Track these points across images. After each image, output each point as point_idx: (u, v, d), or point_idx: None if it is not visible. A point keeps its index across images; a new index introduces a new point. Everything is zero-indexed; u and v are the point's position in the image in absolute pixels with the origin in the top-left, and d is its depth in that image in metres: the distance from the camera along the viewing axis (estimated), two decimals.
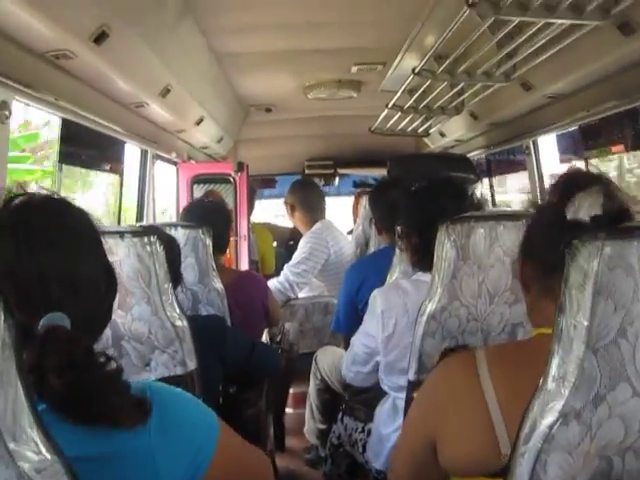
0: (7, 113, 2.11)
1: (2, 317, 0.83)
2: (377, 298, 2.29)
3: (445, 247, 1.90)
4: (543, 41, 2.56)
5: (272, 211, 7.76)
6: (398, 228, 2.40)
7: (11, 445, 0.86)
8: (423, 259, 2.15)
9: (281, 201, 5.17)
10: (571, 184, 1.33)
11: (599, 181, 1.32)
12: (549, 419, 1.00)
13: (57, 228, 1.11)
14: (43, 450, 0.89)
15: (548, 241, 1.32)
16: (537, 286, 1.36)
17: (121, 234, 1.86)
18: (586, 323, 0.97)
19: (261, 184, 6.26)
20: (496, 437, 1.20)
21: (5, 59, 2.06)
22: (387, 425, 2.31)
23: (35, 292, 1.04)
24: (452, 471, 1.31)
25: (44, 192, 1.17)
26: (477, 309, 1.94)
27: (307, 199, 4.72)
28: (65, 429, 0.98)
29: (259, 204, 6.02)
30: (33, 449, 0.88)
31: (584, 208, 1.25)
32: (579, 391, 0.98)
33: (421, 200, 2.24)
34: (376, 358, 2.33)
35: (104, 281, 1.18)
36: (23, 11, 1.83)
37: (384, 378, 2.31)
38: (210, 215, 2.98)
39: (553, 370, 1.01)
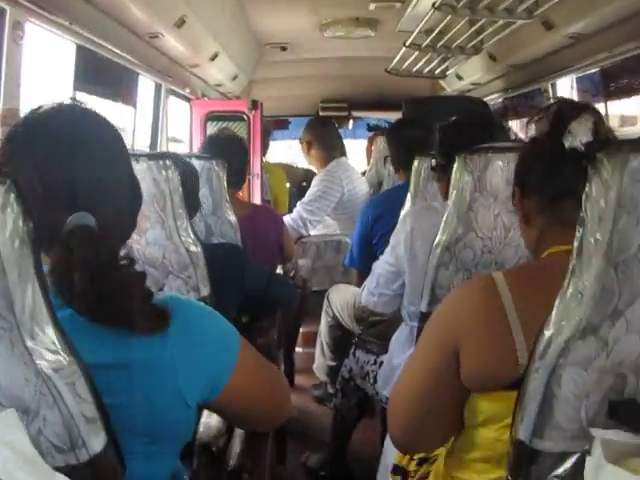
0: (20, 34, 2.09)
1: (21, 217, 0.84)
2: (407, 218, 2.30)
3: (462, 178, 1.88)
4: None
5: (283, 155, 7.71)
6: (433, 161, 2.39)
7: (29, 343, 0.87)
8: None
9: (294, 143, 5.13)
10: (562, 114, 1.33)
11: (587, 110, 1.33)
12: (566, 334, 0.99)
13: (85, 132, 1.13)
14: (60, 349, 0.89)
15: (551, 171, 1.34)
16: (542, 218, 1.37)
17: (136, 157, 1.85)
18: (607, 237, 0.95)
19: (274, 126, 6.20)
20: (515, 349, 1.22)
21: None
22: (399, 355, 2.32)
23: (62, 193, 1.05)
24: (472, 386, 1.32)
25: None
26: (492, 241, 1.92)
27: (324, 136, 4.64)
28: (87, 335, 0.99)
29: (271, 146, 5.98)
30: (50, 348, 0.89)
31: (579, 136, 1.26)
32: (597, 306, 0.96)
33: (458, 132, 2.22)
34: (402, 277, 2.32)
35: (129, 188, 1.19)
36: None
37: (407, 303, 2.30)
38: (230, 148, 2.97)
39: (571, 285, 0.99)
